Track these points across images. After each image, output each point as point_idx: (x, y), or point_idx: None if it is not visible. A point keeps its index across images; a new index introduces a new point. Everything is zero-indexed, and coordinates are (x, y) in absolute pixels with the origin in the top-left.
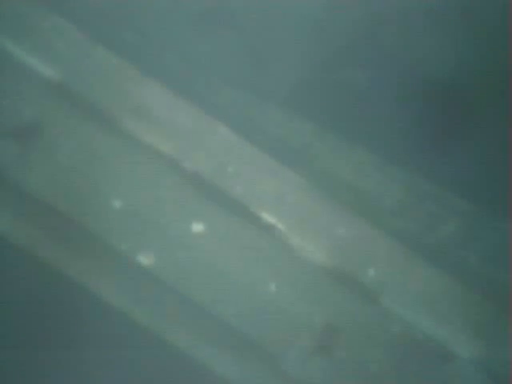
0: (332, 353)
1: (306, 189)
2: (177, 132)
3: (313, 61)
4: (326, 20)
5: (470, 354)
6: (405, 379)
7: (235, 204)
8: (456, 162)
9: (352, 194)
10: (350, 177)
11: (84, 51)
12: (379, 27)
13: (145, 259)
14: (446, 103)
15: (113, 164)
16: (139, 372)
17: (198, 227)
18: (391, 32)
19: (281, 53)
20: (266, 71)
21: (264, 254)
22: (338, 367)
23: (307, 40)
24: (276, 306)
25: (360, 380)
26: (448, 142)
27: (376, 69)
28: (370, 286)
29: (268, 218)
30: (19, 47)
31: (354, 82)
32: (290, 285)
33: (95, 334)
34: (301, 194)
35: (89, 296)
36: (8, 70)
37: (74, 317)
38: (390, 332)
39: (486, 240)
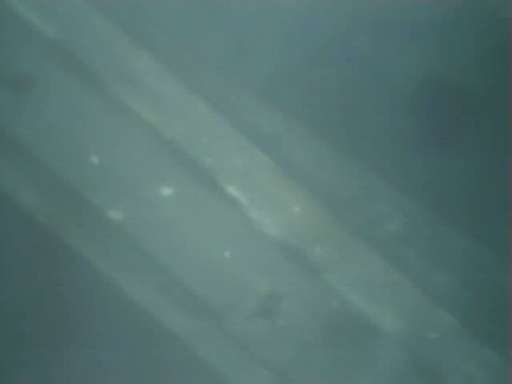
0: (273, 318)
1: (270, 169)
2: (159, 101)
3: (291, 57)
4: (309, 20)
5: (394, 332)
6: (336, 349)
7: (204, 174)
8: (408, 163)
9: (311, 182)
10: (311, 166)
11: (83, 15)
12: (356, 32)
13: (115, 214)
14: (411, 106)
15: (96, 123)
16: (88, 312)
17: (167, 191)
18: (367, 37)
19: (263, 46)
20: (247, 61)
21: (224, 223)
22: (276, 332)
23: (289, 37)
24: (227, 271)
25: (295, 346)
26: (405, 144)
27: (348, 70)
28: (316, 262)
29: (232, 190)
30: (22, 2)
31: (326, 81)
32: (243, 253)
33: (58, 277)
34: (265, 173)
35: (56, 240)
36: (8, 24)
37: (35, 257)
38: (327, 306)
39: (427, 240)
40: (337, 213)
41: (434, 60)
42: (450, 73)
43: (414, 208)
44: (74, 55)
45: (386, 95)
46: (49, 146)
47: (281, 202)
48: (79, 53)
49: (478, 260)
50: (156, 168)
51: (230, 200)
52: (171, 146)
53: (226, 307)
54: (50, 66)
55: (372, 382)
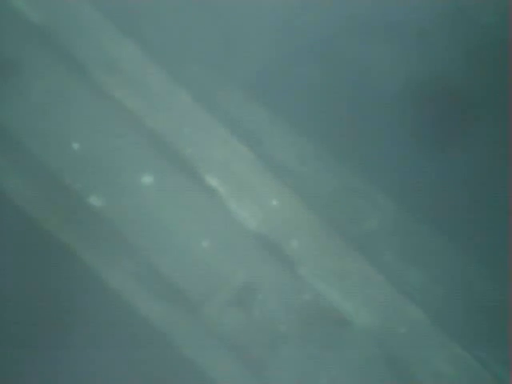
0: (248, 309)
1: (251, 162)
2: (143, 91)
3: (278, 53)
4: (297, 18)
5: (365, 325)
6: (308, 341)
7: (184, 164)
8: (388, 163)
9: (291, 176)
10: (292, 161)
11: (70, 2)
12: (344, 31)
13: (95, 200)
14: (394, 106)
15: (79, 109)
16: (62, 292)
17: (147, 179)
18: (354, 37)
19: (251, 42)
20: (235, 55)
21: (202, 213)
22: (251, 323)
23: (276, 34)
24: (205, 261)
25: (269, 337)
26: (386, 143)
27: (335, 69)
28: (292, 255)
29: (211, 181)
30: None
31: (312, 79)
32: (221, 244)
33: (37, 261)
34: (245, 166)
35: (34, 224)
36: None
37: (14, 241)
38: (301, 298)
39: (402, 238)
40: (315, 208)
41: (419, 61)
42: (432, 74)
43: (392, 206)
44: (59, 42)
45: (371, 95)
46: (31, 132)
47: (260, 194)
48: (65, 40)
49: (451, 259)
50: (137, 156)
51: (210, 191)
52: (153, 135)
53: (202, 297)
54: (36, 53)
55: (342, 374)
